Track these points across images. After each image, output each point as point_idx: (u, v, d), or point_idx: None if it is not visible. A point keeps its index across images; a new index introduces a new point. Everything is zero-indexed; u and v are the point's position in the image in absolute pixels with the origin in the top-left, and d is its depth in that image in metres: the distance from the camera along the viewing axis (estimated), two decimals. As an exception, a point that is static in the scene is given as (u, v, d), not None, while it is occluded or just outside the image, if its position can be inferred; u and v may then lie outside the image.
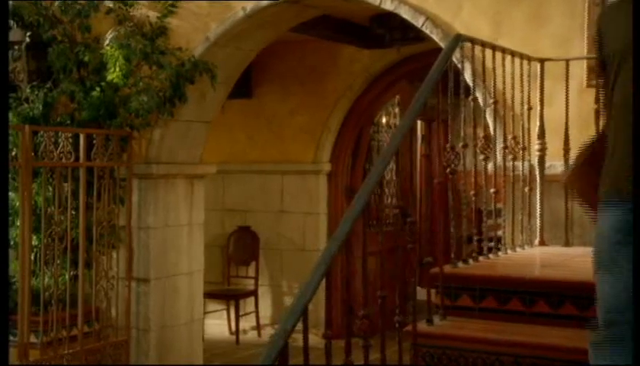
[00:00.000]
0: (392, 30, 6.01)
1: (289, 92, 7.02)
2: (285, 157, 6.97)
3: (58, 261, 4.78)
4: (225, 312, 7.08)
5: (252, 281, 7.07)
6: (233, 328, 7.10)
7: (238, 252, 7.19)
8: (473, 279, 3.07)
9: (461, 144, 3.33)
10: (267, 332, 7.02)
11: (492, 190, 3.60)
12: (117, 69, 4.91)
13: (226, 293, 6.96)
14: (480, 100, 4.09)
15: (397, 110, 7.50)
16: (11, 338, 4.54)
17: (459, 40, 3.33)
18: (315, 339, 6.83)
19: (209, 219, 6.06)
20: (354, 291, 6.99)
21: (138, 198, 5.20)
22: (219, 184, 7.04)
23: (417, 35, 6.09)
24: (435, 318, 2.98)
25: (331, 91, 6.87)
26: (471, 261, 3.29)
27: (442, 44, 4.36)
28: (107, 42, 4.99)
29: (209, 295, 6.49)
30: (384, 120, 7.47)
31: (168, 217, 5.29)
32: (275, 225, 7.05)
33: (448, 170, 3.21)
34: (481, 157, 3.52)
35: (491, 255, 3.49)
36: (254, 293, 7.01)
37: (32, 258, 4.78)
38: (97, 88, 4.98)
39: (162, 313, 5.26)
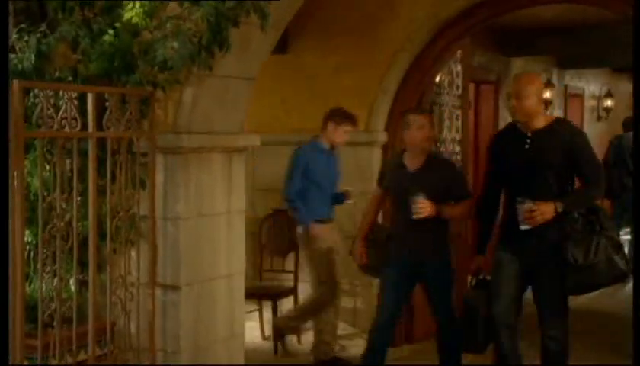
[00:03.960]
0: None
1: (335, 46, 5.76)
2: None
3: (60, 263, 3.57)
4: (257, 313, 5.89)
5: (290, 276, 5.86)
6: (266, 332, 5.93)
7: (273, 240, 5.99)
8: None
9: None
10: (309, 339, 5.84)
11: None
12: (137, 6, 3.64)
13: (259, 291, 5.75)
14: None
15: (459, 68, 6.26)
16: (1, 367, 3.40)
17: None
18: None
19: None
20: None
21: (163, 179, 3.95)
22: (249, 158, 5.72)
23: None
24: None
25: (386, 44, 5.61)
26: None
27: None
28: (121, -31, 3.72)
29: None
30: (444, 79, 6.21)
31: (202, 204, 4.05)
32: (318, 207, 5.79)
33: None
34: None
35: None
36: (293, 290, 5.81)
37: (25, 258, 3.59)
38: (110, 32, 3.71)
39: (196, 328, 4.05)
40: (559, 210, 3.92)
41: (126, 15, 3.68)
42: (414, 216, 4.35)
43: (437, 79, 6.08)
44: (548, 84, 10.07)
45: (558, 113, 10.84)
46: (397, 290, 4.58)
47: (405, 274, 4.54)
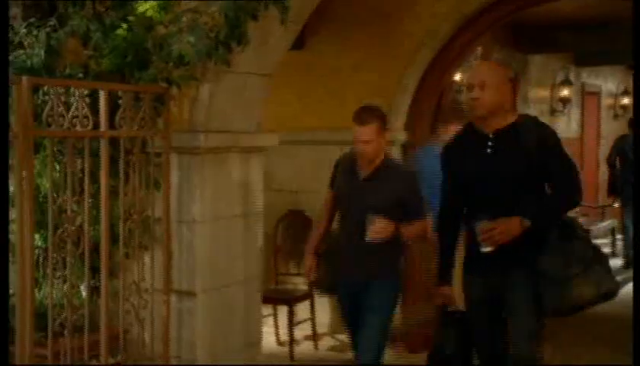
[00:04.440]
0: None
1: (353, 42, 5.56)
2: (347, 124, 5.46)
3: (71, 269, 3.40)
4: (272, 318, 5.71)
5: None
6: (281, 337, 5.74)
7: (288, 242, 5.80)
8: None
9: None
10: (326, 344, 5.67)
11: None
12: (152, -2, 3.48)
13: (275, 296, 5.56)
14: None
15: (480, 65, 6.06)
16: (9, 377, 3.24)
17: None
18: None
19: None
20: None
21: (178, 180, 3.78)
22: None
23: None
24: None
25: (407, 40, 5.41)
26: None
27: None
28: (134, -40, 3.54)
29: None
30: (464, 77, 6.02)
31: (218, 206, 3.87)
32: (335, 209, 5.61)
33: None
34: None
35: None
36: (309, 295, 5.62)
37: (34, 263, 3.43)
38: (123, 25, 3.54)
39: (212, 336, 3.87)
40: (526, 225, 3.23)
41: (140, 8, 3.51)
42: (368, 239, 3.71)
43: (457, 77, 5.89)
44: (566, 82, 9.87)
45: (575, 111, 10.64)
46: (355, 321, 3.94)
47: (355, 297, 3.93)
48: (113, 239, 3.54)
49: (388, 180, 3.85)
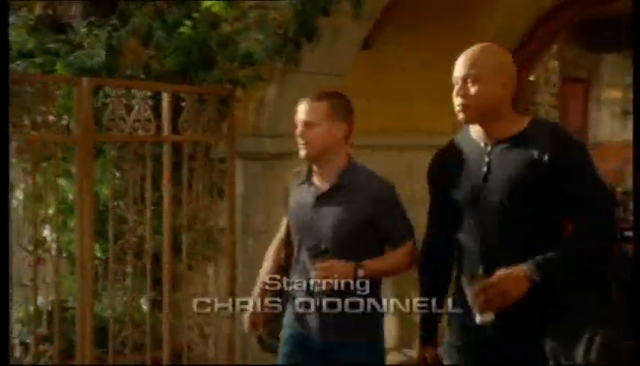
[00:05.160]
0: None
1: (422, 40, 5.25)
2: (415, 126, 5.23)
3: (132, 282, 3.22)
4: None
5: (372, 290, 5.40)
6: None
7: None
8: None
9: None
10: (393, 359, 5.38)
11: None
12: (217, -6, 3.28)
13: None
14: None
15: (556, 63, 5.75)
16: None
17: None
18: None
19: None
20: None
21: (244, 188, 3.57)
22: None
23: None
24: None
25: (479, 37, 5.08)
26: None
27: None
28: (198, -46, 3.35)
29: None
30: (539, 76, 5.71)
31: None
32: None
33: None
34: None
35: None
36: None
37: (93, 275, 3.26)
38: (187, 23, 3.33)
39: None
40: (535, 277, 2.20)
41: (205, 4, 3.31)
42: (316, 289, 2.62)
43: (532, 77, 5.57)
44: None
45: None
46: None
47: (312, 357, 2.74)
48: (176, 249, 3.35)
49: (352, 194, 2.67)
